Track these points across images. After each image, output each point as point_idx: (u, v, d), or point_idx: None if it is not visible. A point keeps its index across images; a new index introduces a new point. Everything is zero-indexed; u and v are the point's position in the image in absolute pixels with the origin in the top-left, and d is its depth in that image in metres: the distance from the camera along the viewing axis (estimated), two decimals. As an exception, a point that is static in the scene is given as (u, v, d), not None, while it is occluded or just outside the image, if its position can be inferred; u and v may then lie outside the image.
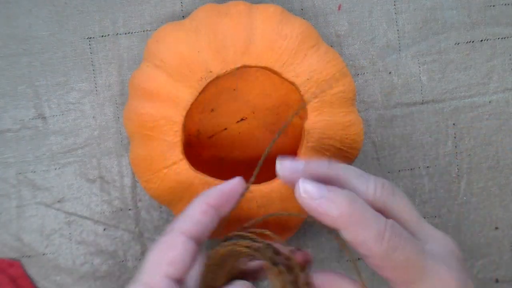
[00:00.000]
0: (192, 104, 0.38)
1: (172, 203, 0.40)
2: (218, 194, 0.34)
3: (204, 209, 0.33)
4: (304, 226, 0.48)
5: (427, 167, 0.48)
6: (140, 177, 0.40)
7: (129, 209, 0.47)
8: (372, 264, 0.31)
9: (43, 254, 0.46)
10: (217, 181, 0.39)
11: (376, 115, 0.47)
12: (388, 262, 0.30)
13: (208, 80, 0.38)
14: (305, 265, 0.33)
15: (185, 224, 0.32)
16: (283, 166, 0.33)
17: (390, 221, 0.30)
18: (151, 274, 0.31)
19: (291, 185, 0.32)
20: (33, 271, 0.46)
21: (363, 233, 0.30)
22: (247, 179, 0.43)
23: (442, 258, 0.31)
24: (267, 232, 0.33)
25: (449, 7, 0.47)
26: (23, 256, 0.46)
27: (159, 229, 0.47)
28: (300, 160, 0.33)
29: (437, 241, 0.32)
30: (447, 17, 0.47)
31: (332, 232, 0.32)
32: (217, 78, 0.38)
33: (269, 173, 0.42)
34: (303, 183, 0.31)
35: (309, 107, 0.39)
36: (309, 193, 0.31)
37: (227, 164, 0.47)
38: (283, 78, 0.39)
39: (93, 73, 0.46)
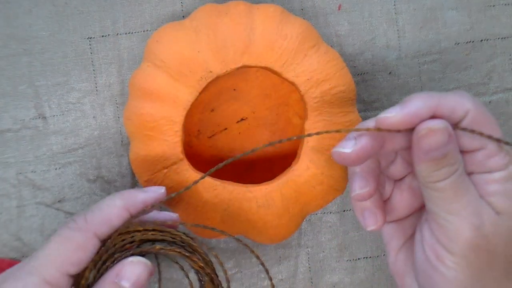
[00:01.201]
0: (192, 104, 0.38)
1: (172, 203, 0.41)
2: (140, 204, 0.34)
3: (123, 216, 0.33)
4: (304, 226, 0.48)
5: (427, 167, 0.48)
6: (140, 177, 0.40)
7: (129, 209, 0.47)
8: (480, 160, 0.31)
9: (43, 254, 0.46)
10: (217, 181, 0.39)
11: (376, 115, 0.47)
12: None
13: (208, 80, 0.38)
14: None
15: (101, 227, 0.32)
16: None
17: None
18: (51, 269, 0.30)
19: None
20: (33, 271, 0.46)
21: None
22: (247, 179, 0.43)
23: None
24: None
25: (449, 7, 0.47)
26: (23, 256, 0.46)
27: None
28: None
29: None
30: (447, 17, 0.47)
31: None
32: (217, 78, 0.38)
33: (269, 173, 0.42)
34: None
35: (309, 107, 0.39)
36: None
37: (227, 164, 0.47)
38: (283, 78, 0.39)
39: (93, 73, 0.46)
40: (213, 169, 0.33)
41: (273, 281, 0.47)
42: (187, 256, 0.33)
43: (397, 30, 0.47)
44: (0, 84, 0.45)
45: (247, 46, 0.38)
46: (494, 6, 0.47)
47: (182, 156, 0.39)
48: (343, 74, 0.40)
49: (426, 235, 0.32)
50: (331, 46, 0.46)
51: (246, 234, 0.41)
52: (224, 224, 0.40)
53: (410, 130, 0.31)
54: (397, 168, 0.36)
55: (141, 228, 0.33)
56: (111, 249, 0.32)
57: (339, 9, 0.46)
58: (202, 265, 0.33)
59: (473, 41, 0.47)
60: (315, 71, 0.39)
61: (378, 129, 0.32)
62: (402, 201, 0.36)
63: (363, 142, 0.32)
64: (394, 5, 0.47)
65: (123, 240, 0.33)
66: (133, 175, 0.46)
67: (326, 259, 0.48)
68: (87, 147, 0.46)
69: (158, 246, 0.33)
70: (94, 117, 0.46)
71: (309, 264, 0.48)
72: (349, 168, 0.35)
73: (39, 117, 0.46)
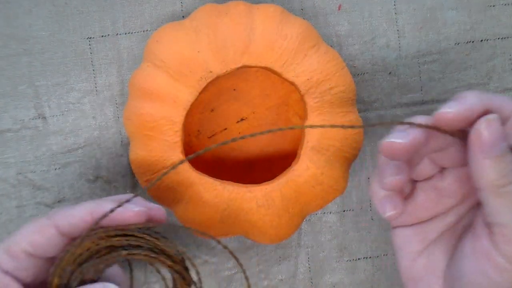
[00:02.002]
0: (192, 104, 0.38)
1: (172, 203, 0.41)
2: (107, 214, 0.33)
3: (88, 220, 0.33)
4: (304, 226, 0.48)
5: (427, 167, 0.48)
6: (140, 177, 0.40)
7: (129, 209, 0.46)
8: None
9: (43, 254, 0.46)
10: (217, 181, 0.39)
11: (376, 115, 0.47)
12: None
13: (208, 80, 0.38)
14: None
15: (62, 220, 0.33)
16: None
17: None
18: (14, 243, 0.33)
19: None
20: (33, 271, 0.46)
21: None
22: (246, 179, 0.43)
23: None
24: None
25: (449, 7, 0.47)
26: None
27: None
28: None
29: None
30: (447, 17, 0.47)
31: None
32: (217, 78, 0.38)
33: (269, 173, 0.42)
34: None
35: (309, 107, 0.39)
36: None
37: (227, 164, 0.47)
38: (283, 78, 0.39)
39: (93, 73, 0.46)
40: (200, 152, 0.32)
41: (273, 282, 0.47)
42: (154, 258, 0.33)
43: (397, 30, 0.47)
44: (0, 84, 0.45)
45: (247, 46, 0.38)
46: (494, 6, 0.47)
47: (182, 156, 0.39)
48: (343, 74, 0.40)
49: (485, 248, 0.31)
50: (331, 46, 0.45)
51: (246, 234, 0.41)
52: (224, 224, 0.40)
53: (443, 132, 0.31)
54: (424, 168, 0.34)
55: (104, 235, 0.33)
56: (78, 259, 0.32)
57: (339, 9, 0.46)
58: (170, 263, 0.33)
59: (473, 41, 0.47)
60: (315, 71, 0.39)
61: (396, 123, 0.31)
62: (426, 202, 0.35)
63: (416, 133, 0.31)
64: (394, 5, 0.47)
65: (88, 249, 0.33)
66: (133, 175, 0.46)
67: (326, 259, 0.48)
68: (87, 147, 0.46)
69: (124, 252, 0.33)
70: (94, 117, 0.46)
71: (309, 264, 0.48)
72: (380, 159, 0.34)
73: (39, 117, 0.46)
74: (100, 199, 0.35)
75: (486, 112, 0.30)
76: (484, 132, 0.29)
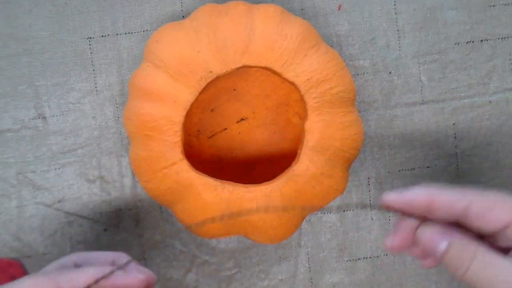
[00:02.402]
0: (192, 104, 0.38)
1: (172, 203, 0.41)
2: (112, 279, 0.33)
3: (89, 283, 0.33)
4: (304, 226, 0.48)
5: (427, 167, 0.48)
6: (140, 177, 0.40)
7: (129, 209, 0.47)
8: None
9: (43, 254, 0.46)
10: (217, 181, 0.39)
11: (376, 115, 0.47)
12: None
13: (208, 80, 0.38)
14: None
15: (66, 285, 0.32)
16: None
17: None
18: None
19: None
20: (33, 271, 0.46)
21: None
22: (246, 179, 0.43)
23: None
24: None
25: (449, 7, 0.47)
26: (23, 256, 0.46)
27: (159, 229, 0.47)
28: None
29: None
30: (447, 17, 0.47)
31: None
32: (217, 78, 0.38)
33: (269, 173, 0.42)
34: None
35: (309, 107, 0.39)
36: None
37: (227, 164, 0.47)
38: (283, 78, 0.39)
39: (93, 73, 0.46)
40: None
41: (273, 282, 0.47)
42: None
43: (397, 30, 0.47)
44: (0, 84, 0.45)
45: (247, 46, 0.38)
46: (494, 6, 0.47)
47: (182, 156, 0.39)
48: (343, 74, 0.40)
49: None
50: (331, 46, 0.46)
51: (246, 234, 0.41)
52: (223, 224, 0.40)
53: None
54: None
55: None
56: None
57: (339, 9, 0.46)
58: None
59: (473, 41, 0.47)
60: (315, 71, 0.39)
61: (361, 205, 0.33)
62: None
63: (399, 236, 0.33)
64: (394, 5, 0.47)
65: None
66: (133, 175, 0.46)
67: (326, 259, 0.48)
68: (87, 147, 0.46)
69: None
70: (93, 117, 0.46)
71: (309, 264, 0.48)
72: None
73: (39, 117, 0.46)
74: (103, 264, 0.34)
75: (431, 204, 0.32)
76: (421, 243, 0.32)
